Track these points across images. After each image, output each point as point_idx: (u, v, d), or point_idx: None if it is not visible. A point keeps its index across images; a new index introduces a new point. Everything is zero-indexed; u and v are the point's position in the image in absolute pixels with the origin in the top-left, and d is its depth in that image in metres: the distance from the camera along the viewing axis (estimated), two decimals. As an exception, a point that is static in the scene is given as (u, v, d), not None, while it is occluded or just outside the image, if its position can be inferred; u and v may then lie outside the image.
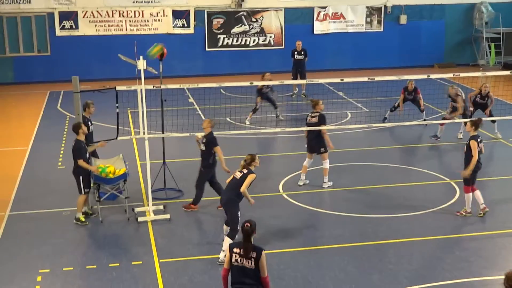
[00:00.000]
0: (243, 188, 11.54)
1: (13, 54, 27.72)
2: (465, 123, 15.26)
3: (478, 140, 13.27)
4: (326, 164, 15.37)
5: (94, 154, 14.67)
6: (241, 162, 11.84)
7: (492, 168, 17.29)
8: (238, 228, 11.16)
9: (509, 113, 20.33)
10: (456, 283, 10.98)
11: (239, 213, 11.67)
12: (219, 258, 11.56)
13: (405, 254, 12.13)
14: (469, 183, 13.45)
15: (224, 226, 12.11)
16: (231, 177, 11.94)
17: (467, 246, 12.45)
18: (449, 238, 12.83)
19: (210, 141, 13.70)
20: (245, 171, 11.67)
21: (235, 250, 8.48)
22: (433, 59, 30.83)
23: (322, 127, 15.02)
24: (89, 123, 14.75)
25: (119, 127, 14.35)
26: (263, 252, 8.42)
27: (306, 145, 15.58)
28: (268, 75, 20.64)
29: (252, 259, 8.38)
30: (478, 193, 13.54)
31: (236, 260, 8.46)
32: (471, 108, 19.17)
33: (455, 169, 16.11)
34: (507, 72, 18.32)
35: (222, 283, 8.73)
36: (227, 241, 11.37)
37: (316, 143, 15.28)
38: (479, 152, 13.22)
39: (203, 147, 13.86)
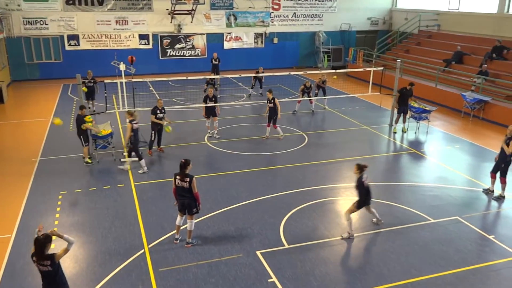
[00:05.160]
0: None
1: (38, 61, 25.95)
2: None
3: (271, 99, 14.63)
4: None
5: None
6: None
7: (325, 125, 17.89)
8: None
9: (333, 94, 21.03)
10: (268, 197, 11.39)
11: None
12: None
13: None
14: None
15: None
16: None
17: (277, 174, 12.68)
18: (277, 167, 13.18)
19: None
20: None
21: (177, 177, 8.50)
22: (292, 63, 31.14)
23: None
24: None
25: (107, 105, 13.91)
26: (194, 178, 8.48)
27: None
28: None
29: (187, 182, 8.44)
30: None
31: (177, 183, 8.50)
32: (316, 91, 19.55)
33: (305, 124, 16.57)
34: (333, 71, 19.08)
35: (174, 196, 8.76)
36: None
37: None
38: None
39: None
